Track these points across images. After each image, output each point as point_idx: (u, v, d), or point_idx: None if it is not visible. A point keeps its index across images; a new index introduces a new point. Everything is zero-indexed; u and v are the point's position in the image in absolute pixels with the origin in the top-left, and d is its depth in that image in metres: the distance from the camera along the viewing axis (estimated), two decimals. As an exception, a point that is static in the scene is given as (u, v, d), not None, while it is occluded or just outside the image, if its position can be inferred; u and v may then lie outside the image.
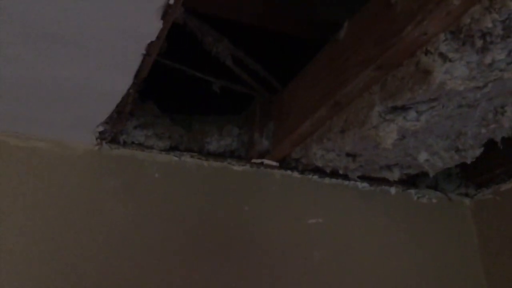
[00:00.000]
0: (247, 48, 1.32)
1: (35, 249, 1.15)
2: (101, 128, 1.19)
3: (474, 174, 1.59)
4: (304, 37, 1.34)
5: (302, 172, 1.46)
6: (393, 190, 1.57)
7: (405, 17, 0.89)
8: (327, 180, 1.49)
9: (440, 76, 0.89)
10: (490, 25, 0.80)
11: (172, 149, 1.34)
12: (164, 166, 1.32)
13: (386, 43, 0.94)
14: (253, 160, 1.41)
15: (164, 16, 0.81)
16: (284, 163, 1.44)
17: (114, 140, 1.27)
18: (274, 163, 1.43)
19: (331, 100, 1.11)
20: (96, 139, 1.24)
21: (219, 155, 1.39)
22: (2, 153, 1.19)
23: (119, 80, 1.00)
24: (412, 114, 1.03)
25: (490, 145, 1.22)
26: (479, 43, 0.83)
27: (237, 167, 1.41)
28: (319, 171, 1.45)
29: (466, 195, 1.64)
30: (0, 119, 1.15)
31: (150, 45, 0.89)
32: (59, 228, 1.18)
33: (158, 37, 0.87)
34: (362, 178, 1.48)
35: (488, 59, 0.86)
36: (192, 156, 1.36)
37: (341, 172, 1.41)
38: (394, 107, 1.03)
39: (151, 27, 0.83)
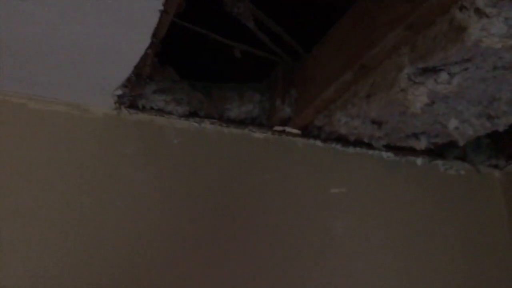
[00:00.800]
0: (269, 11, 1.27)
1: (52, 212, 1.14)
2: (119, 92, 1.17)
3: (504, 145, 1.53)
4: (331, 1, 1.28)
5: (325, 140, 1.42)
6: (419, 160, 1.52)
7: (439, -29, 0.83)
8: (350, 149, 1.45)
9: (476, 33, 0.83)
10: (532, -24, 0.74)
11: (191, 115, 1.31)
12: (183, 132, 1.30)
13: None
14: (275, 128, 1.38)
15: (182, -31, 0.77)
16: (307, 131, 1.41)
17: (132, 105, 1.25)
18: (296, 131, 1.39)
19: (357, 63, 1.06)
20: (115, 103, 1.22)
21: (239, 122, 1.36)
22: (21, 116, 1.18)
23: (136, 39, 0.96)
24: (443, 76, 0.97)
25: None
26: (520, -4, 0.77)
27: (258, 135, 1.38)
28: (342, 139, 1.41)
29: (496, 166, 1.58)
30: (18, 82, 1.13)
31: (168, 1, 0.85)
32: (77, 191, 1.17)
33: (176, -8, 0.83)
34: (387, 147, 1.44)
35: (529, 15, 0.80)
36: (212, 123, 1.33)
37: (365, 140, 1.36)
38: (424, 69, 0.97)
39: (169, -20, 0.79)
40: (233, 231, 1.28)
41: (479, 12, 0.82)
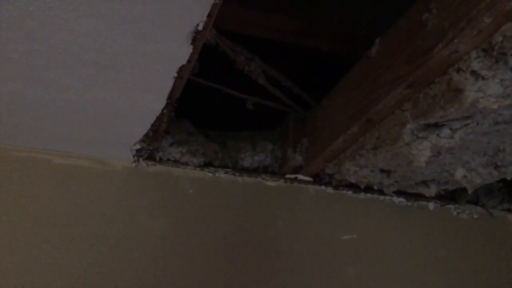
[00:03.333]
0: (280, 65, 1.33)
1: (74, 263, 1.19)
2: (138, 146, 1.23)
3: (516, 189, 1.54)
4: (337, 53, 1.35)
5: (336, 187, 1.45)
6: (431, 205, 1.54)
7: (436, 35, 0.88)
8: (362, 195, 1.47)
9: (472, 95, 0.87)
10: (523, 42, 0.78)
11: (206, 165, 1.37)
12: (198, 182, 1.35)
13: (417, 60, 0.93)
14: (287, 176, 1.42)
15: (193, 41, 0.84)
16: (318, 179, 1.44)
17: (150, 157, 1.31)
18: (308, 179, 1.43)
19: (363, 117, 1.10)
20: (133, 156, 1.28)
21: (252, 171, 1.41)
22: (46, 171, 1.25)
23: (153, 101, 1.03)
24: (445, 131, 1.01)
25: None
26: (513, 60, 0.81)
27: (271, 183, 1.42)
28: (354, 186, 1.44)
29: (509, 210, 1.58)
30: (44, 138, 1.21)
31: (182, 68, 0.92)
32: (97, 242, 1.23)
33: (189, 61, 0.90)
34: (398, 193, 1.46)
35: (522, 76, 0.83)
36: (226, 172, 1.38)
37: (375, 187, 1.39)
38: (426, 125, 1.01)
39: (182, 52, 0.86)
40: (247, 279, 1.30)
41: (475, 74, 0.86)
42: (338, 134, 1.21)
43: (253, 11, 1.22)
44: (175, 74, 0.93)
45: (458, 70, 0.89)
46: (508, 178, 1.23)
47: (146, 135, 1.19)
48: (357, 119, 1.13)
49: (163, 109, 1.06)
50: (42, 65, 0.91)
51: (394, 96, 1.00)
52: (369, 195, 1.48)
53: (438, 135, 1.02)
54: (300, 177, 1.42)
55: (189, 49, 0.85)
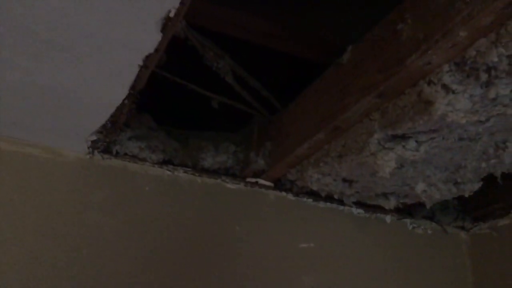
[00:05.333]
0: (249, 66, 1.30)
1: (17, 256, 1.11)
2: (93, 137, 1.17)
3: (471, 208, 1.57)
4: (308, 59, 1.33)
5: (296, 194, 1.44)
6: (388, 218, 1.54)
7: (410, 46, 0.87)
8: (321, 204, 1.46)
9: (442, 108, 0.87)
10: (496, 59, 0.78)
11: (165, 162, 1.32)
12: (156, 180, 1.30)
13: (389, 70, 0.92)
14: (248, 179, 1.39)
15: (163, 29, 0.79)
16: (279, 184, 1.42)
17: (106, 150, 1.25)
18: (269, 184, 1.40)
19: (331, 124, 1.09)
20: (88, 147, 1.22)
21: (213, 172, 1.37)
22: (-9, 156, 1.16)
23: (114, 90, 0.98)
24: (411, 143, 1.01)
25: (489, 179, 1.20)
26: (484, 76, 0.82)
27: (231, 185, 1.38)
28: (314, 194, 1.43)
29: (463, 228, 1.61)
30: (-9, 122, 1.13)
31: (148, 57, 0.87)
32: (44, 236, 1.15)
33: (156, 50, 0.85)
34: (358, 204, 1.46)
35: (492, 94, 0.84)
36: (185, 171, 1.33)
37: (336, 197, 1.38)
38: (394, 136, 1.01)
39: (150, 39, 0.82)
40: (201, 282, 1.26)
41: (446, 87, 0.86)
42: (304, 139, 1.19)
43: (226, 8, 1.19)
44: (141, 63, 0.88)
45: (430, 83, 0.89)
46: (466, 195, 1.25)
47: (104, 126, 1.13)
48: (324, 125, 1.11)
49: (124, 100, 1.01)
50: (-4, 42, 0.84)
51: (363, 104, 0.99)
52: (328, 204, 1.47)
53: (404, 146, 1.02)
54: (261, 181, 1.39)
55: (158, 37, 0.81)
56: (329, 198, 1.43)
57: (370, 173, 1.16)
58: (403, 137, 1.01)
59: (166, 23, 0.78)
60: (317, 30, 1.28)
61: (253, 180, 1.38)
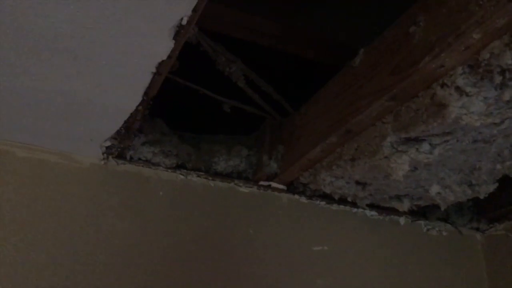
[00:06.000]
0: (261, 69, 1.31)
1: (33, 261, 1.13)
2: (108, 143, 1.18)
3: (486, 209, 1.55)
4: (320, 61, 1.33)
5: (309, 197, 1.43)
6: (402, 220, 1.53)
7: (423, 48, 0.87)
8: (335, 206, 1.46)
9: (456, 111, 0.86)
10: (510, 61, 0.78)
11: (178, 167, 1.32)
12: (169, 184, 1.31)
13: (402, 73, 0.92)
14: (261, 183, 1.39)
15: (176, 36, 0.80)
16: (292, 187, 1.42)
17: (121, 156, 1.26)
18: (282, 187, 1.40)
19: (343, 127, 1.08)
20: (103, 153, 1.23)
21: (226, 176, 1.37)
22: (9, 163, 1.18)
23: (128, 97, 0.98)
24: (425, 146, 1.00)
25: (504, 180, 1.19)
26: (498, 79, 0.81)
27: (244, 189, 1.39)
28: (327, 197, 1.42)
29: (478, 229, 1.60)
30: (8, 129, 1.14)
31: (161, 64, 0.88)
32: (61, 241, 1.16)
33: (169, 57, 0.86)
34: (371, 206, 1.45)
35: (506, 96, 0.83)
36: (198, 176, 1.34)
37: (349, 199, 1.38)
38: (407, 138, 1.00)
39: (162, 47, 0.82)
40: (215, 286, 1.26)
41: (459, 90, 0.86)
42: (316, 143, 1.19)
43: (236, 11, 1.19)
44: (154, 70, 0.89)
45: (443, 85, 0.88)
46: (481, 197, 1.24)
47: (118, 132, 1.14)
48: (336, 128, 1.11)
49: (138, 106, 1.02)
50: (10, 50, 0.85)
51: (376, 107, 0.99)
52: (342, 206, 1.46)
53: (417, 149, 1.01)
54: (274, 184, 1.39)
55: (171, 44, 0.82)
56: (342, 200, 1.42)
57: (384, 176, 1.16)
58: (417, 140, 1.00)
59: (179, 31, 0.78)
60: (327, 32, 1.28)
61: (266, 183, 1.38)
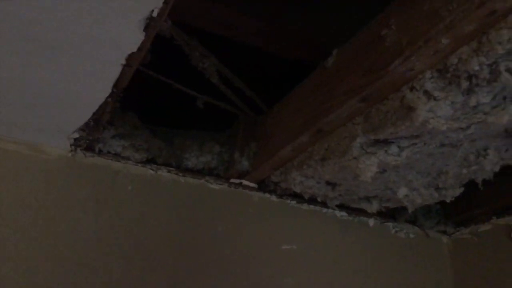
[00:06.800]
0: (236, 66, 1.30)
1: (-5, 254, 1.10)
2: (76, 135, 1.16)
3: (453, 213, 1.58)
4: (295, 59, 1.32)
5: (280, 196, 1.44)
6: (371, 221, 1.55)
7: (394, 51, 0.88)
8: (305, 206, 1.46)
9: (424, 114, 0.87)
10: (477, 67, 0.79)
11: (149, 162, 1.31)
12: (138, 179, 1.29)
13: (373, 75, 0.92)
14: (232, 180, 1.38)
15: (146, 28, 0.79)
16: (263, 186, 1.42)
17: (89, 148, 1.24)
18: (253, 185, 1.40)
19: (314, 127, 1.09)
20: (71, 145, 1.21)
21: (197, 172, 1.36)
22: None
23: (97, 88, 0.97)
24: (393, 148, 1.01)
25: (470, 185, 1.21)
26: (465, 84, 0.82)
27: (215, 186, 1.38)
28: (298, 196, 1.43)
29: (445, 232, 1.62)
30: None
31: (131, 56, 0.86)
32: (24, 233, 1.14)
33: (139, 49, 0.85)
34: (341, 207, 1.46)
35: (473, 101, 0.84)
36: (169, 171, 1.32)
37: (319, 199, 1.39)
38: (376, 140, 1.01)
39: (133, 38, 0.81)
40: (183, 283, 1.25)
41: (427, 94, 0.87)
42: (287, 141, 1.19)
43: (212, 5, 1.18)
44: (124, 62, 0.88)
45: (412, 89, 0.89)
46: (447, 200, 1.26)
47: (87, 124, 1.12)
48: (307, 128, 1.11)
49: (107, 98, 1.00)
50: (-24, 36, 0.83)
51: (347, 108, 1.00)
52: (312, 206, 1.47)
53: (386, 151, 1.02)
54: (245, 182, 1.39)
55: (141, 36, 0.80)
56: (312, 200, 1.43)
57: (353, 176, 1.17)
58: (386, 142, 1.01)
59: (149, 23, 0.77)
60: (305, 30, 1.28)
61: (237, 181, 1.38)
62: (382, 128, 0.96)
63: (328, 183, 1.27)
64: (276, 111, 1.30)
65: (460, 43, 0.79)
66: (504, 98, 0.85)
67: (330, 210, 1.49)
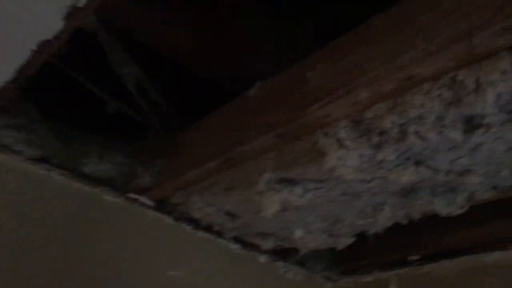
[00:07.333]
0: (160, 79, 1.25)
1: None
2: (-38, 117, 1.03)
3: (341, 260, 1.63)
4: (222, 83, 1.30)
5: (177, 219, 1.38)
6: (263, 258, 1.54)
7: (315, 95, 0.89)
8: (200, 233, 1.42)
9: (333, 161, 0.90)
10: (389, 125, 0.82)
11: (41, 160, 1.20)
12: (25, 177, 1.17)
13: (291, 113, 0.93)
14: (129, 195, 1.31)
15: (67, 17, 0.73)
16: (161, 206, 1.36)
17: (-26, 134, 1.11)
18: (150, 203, 1.33)
19: (225, 155, 1.07)
20: (-47, 127, 1.07)
21: (93, 180, 1.27)
22: None
23: (-2, 70, 0.87)
24: (298, 189, 1.02)
25: (361, 236, 1.26)
26: (375, 139, 0.86)
27: (109, 197, 1.29)
28: (194, 222, 1.39)
29: (329, 279, 1.66)
30: None
31: (44, 43, 0.79)
32: None
33: (55, 37, 0.78)
34: (236, 239, 1.44)
35: (379, 157, 0.88)
36: (62, 174, 1.22)
37: (216, 229, 1.36)
38: (283, 178, 1.02)
39: (49, 25, 0.74)
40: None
41: (339, 142, 0.89)
42: (195, 165, 1.15)
43: (148, 13, 1.13)
44: (34, 47, 0.80)
45: (326, 134, 0.91)
46: (339, 248, 1.30)
47: (-22, 106, 1.00)
48: (218, 155, 1.09)
49: (8, 82, 0.91)
50: None
51: (262, 142, 0.99)
52: (207, 234, 1.43)
53: (291, 191, 1.03)
54: (142, 199, 1.32)
55: (60, 24, 0.74)
56: (208, 228, 1.39)
57: (255, 211, 1.16)
58: (292, 182, 1.02)
59: (72, 12, 0.72)
60: (236, 55, 1.27)
61: (135, 196, 1.31)
62: (292, 167, 0.97)
63: (228, 213, 1.25)
64: (190, 132, 1.26)
65: (378, 100, 0.82)
66: (407, 159, 0.89)
67: (224, 241, 1.46)
